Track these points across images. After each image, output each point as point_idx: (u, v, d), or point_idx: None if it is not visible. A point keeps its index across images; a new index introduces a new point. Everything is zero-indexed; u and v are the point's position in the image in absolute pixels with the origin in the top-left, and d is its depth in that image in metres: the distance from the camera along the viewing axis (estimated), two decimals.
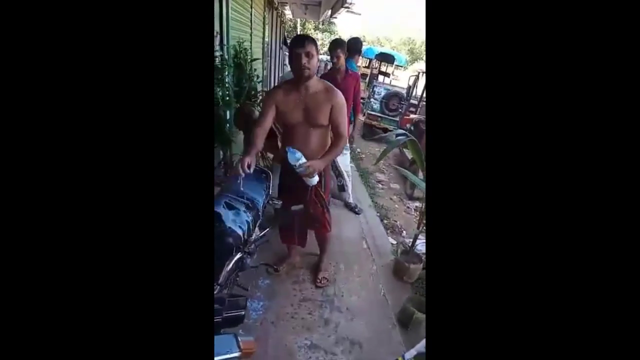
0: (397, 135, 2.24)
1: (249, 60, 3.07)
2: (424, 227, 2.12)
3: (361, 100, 3.08)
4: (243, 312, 0.77)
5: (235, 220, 1.30)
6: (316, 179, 1.58)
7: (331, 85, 1.57)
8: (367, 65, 10.14)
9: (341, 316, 1.82)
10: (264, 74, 4.27)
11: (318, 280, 2.01)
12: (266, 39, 5.75)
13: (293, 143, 1.59)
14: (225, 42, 2.52)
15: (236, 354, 0.71)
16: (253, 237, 1.05)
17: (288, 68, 2.48)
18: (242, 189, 1.33)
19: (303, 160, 1.48)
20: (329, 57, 2.82)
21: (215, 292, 0.76)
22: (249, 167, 1.33)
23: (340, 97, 1.54)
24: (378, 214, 3.06)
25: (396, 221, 3.05)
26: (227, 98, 2.35)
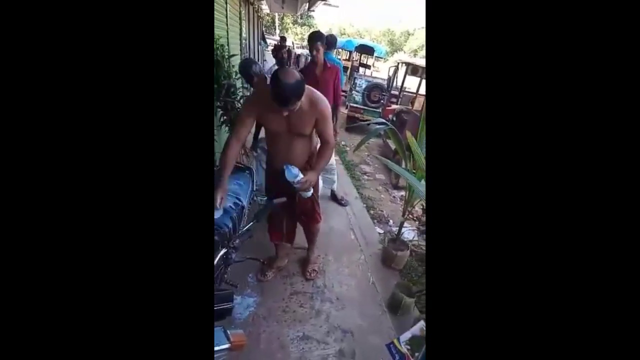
0: (379, 123, 2.27)
1: (226, 56, 3.02)
2: (409, 215, 2.17)
3: (343, 93, 3.09)
4: (231, 305, 0.77)
5: (221, 217, 1.30)
6: (311, 191, 1.61)
7: (315, 94, 1.45)
8: (347, 57, 10.14)
9: (332, 306, 1.84)
10: None
11: (308, 273, 2.02)
12: (244, 35, 5.65)
13: (276, 149, 1.60)
14: None
15: (225, 346, 0.72)
16: (238, 232, 1.05)
17: (268, 63, 2.45)
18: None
19: (300, 176, 1.49)
20: (308, 53, 2.81)
21: None
22: (220, 203, 1.27)
23: (324, 105, 1.46)
24: (364, 205, 3.10)
25: (382, 211, 3.10)
26: None
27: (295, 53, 9.69)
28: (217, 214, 1.23)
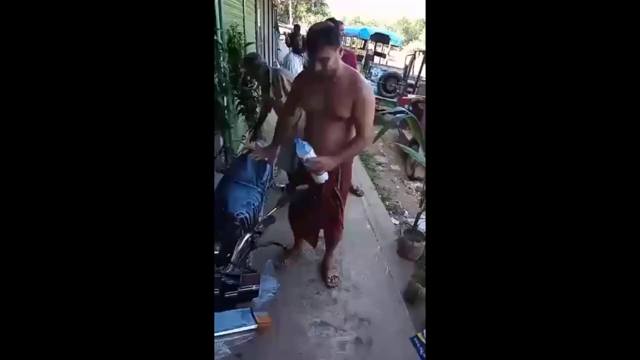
0: (396, 113, 2.23)
1: (243, 44, 3.01)
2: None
3: None
4: (257, 287, 0.78)
5: (241, 204, 1.31)
6: (325, 176, 1.45)
7: (359, 76, 1.38)
8: (362, 46, 9.96)
9: (349, 295, 1.85)
10: (264, 58, 4.19)
11: (329, 280, 1.90)
12: (258, 24, 5.61)
13: (310, 133, 1.51)
14: (219, 26, 2.46)
15: (253, 327, 0.73)
16: (260, 218, 1.06)
17: (282, 52, 2.41)
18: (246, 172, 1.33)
19: (312, 155, 1.38)
20: None
21: (229, 271, 0.77)
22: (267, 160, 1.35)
23: (366, 90, 1.35)
24: (380, 196, 3.08)
25: (398, 202, 3.07)
26: (224, 84, 2.32)
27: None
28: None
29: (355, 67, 2.62)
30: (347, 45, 8.70)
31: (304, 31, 6.21)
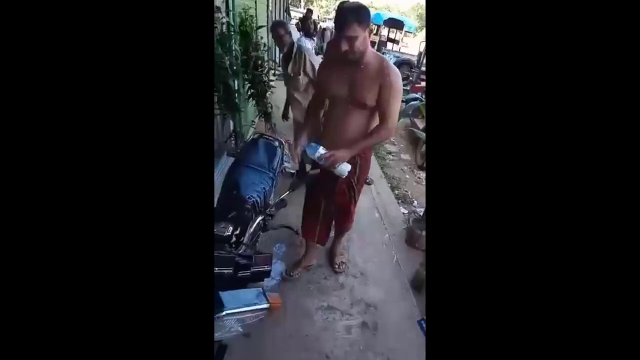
0: (409, 100, 2.18)
1: (254, 28, 2.96)
2: None
3: None
4: (269, 268, 0.79)
5: (252, 188, 1.32)
6: (346, 168, 1.36)
7: (390, 63, 1.29)
8: (375, 32, 9.72)
9: (356, 281, 1.87)
10: (270, 42, 4.13)
11: (336, 265, 1.90)
12: (270, 7, 5.51)
13: (330, 122, 1.45)
14: (231, 8, 2.42)
15: (265, 305, 0.74)
16: (271, 201, 1.06)
17: (293, 36, 2.37)
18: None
19: (322, 150, 1.34)
20: (333, 26, 2.69)
21: (241, 251, 0.78)
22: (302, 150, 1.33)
23: (395, 79, 1.25)
24: (389, 185, 3.06)
25: (407, 191, 3.05)
26: (235, 67, 2.30)
27: (320, 26, 9.39)
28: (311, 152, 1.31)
29: None
30: None
31: (315, 15, 6.07)
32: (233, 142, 2.73)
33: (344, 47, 1.17)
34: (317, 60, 2.17)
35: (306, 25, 5.22)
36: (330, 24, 10.07)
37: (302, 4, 19.97)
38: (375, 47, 7.68)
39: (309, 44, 3.53)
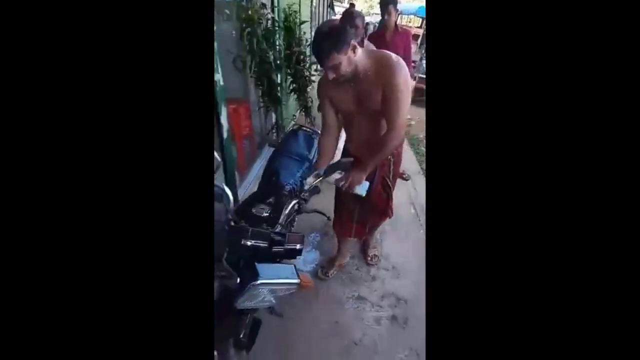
0: None
1: (298, 23, 3.03)
2: None
3: (413, 63, 2.90)
4: (301, 247, 0.84)
5: (290, 175, 1.39)
6: (364, 187, 1.32)
7: (384, 55, 1.17)
8: (419, 25, 9.39)
9: (387, 274, 1.87)
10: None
11: (369, 258, 1.91)
12: (314, 2, 5.57)
13: (349, 135, 1.41)
14: (276, 4, 2.51)
15: (296, 281, 0.79)
16: (306, 187, 1.12)
17: None
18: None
19: (337, 175, 1.27)
20: (377, 21, 2.65)
21: (277, 230, 0.84)
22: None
23: (397, 75, 1.12)
24: None
25: None
26: (279, 62, 2.39)
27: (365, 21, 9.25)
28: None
29: (409, 46, 2.51)
30: (403, 23, 8.26)
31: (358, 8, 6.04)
32: (275, 134, 2.85)
33: (331, 76, 1.11)
34: None
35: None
36: (373, 19, 9.89)
37: None
38: (419, 40, 7.41)
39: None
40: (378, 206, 1.57)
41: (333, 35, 1.05)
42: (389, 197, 1.56)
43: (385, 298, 1.72)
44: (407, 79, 1.16)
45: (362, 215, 1.63)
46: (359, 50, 1.11)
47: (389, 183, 1.51)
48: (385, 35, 2.42)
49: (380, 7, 2.42)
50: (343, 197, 1.57)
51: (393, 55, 1.17)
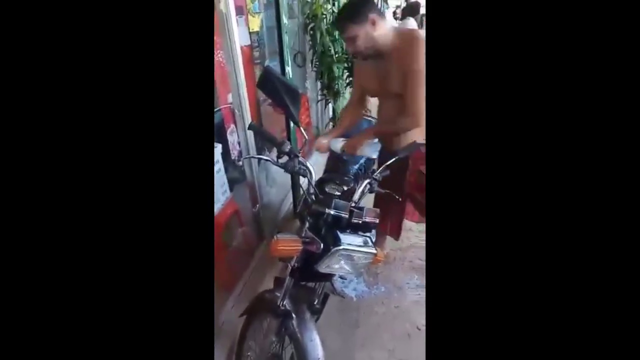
0: None
1: None
2: None
3: None
4: (377, 220, 0.89)
5: (353, 160, 1.44)
6: (374, 149, 1.32)
7: (413, 40, 1.13)
8: None
9: None
10: None
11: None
12: None
13: (379, 117, 1.41)
14: None
15: (373, 251, 0.85)
16: (377, 170, 1.16)
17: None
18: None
19: (341, 142, 1.33)
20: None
21: (353, 206, 0.90)
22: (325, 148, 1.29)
23: (420, 60, 1.09)
24: None
25: None
26: (339, 55, 2.45)
27: (421, 12, 8.93)
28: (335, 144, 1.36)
29: None
30: None
31: None
32: (332, 125, 2.93)
33: (349, 49, 1.10)
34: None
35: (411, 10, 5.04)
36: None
37: None
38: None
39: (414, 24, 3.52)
40: (422, 198, 1.42)
41: (351, 7, 1.07)
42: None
43: None
44: (422, 65, 1.10)
45: (397, 210, 1.52)
46: (382, 26, 1.09)
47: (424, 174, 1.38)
48: None
49: None
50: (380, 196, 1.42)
51: (420, 36, 1.12)
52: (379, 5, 7.96)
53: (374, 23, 1.08)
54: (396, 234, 1.64)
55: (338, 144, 1.38)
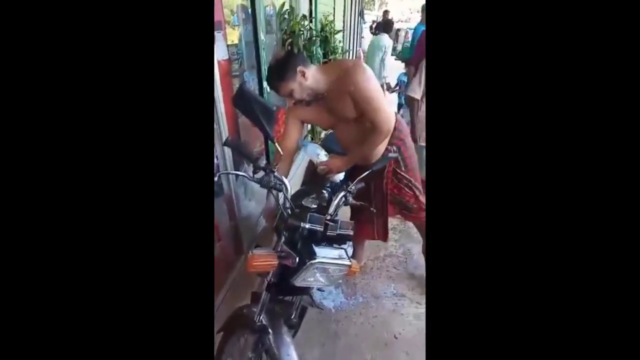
0: None
1: (333, 33, 3.16)
2: None
3: None
4: (352, 232, 0.92)
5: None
6: (340, 176, 1.39)
7: (348, 65, 1.20)
8: None
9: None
10: (347, 45, 4.34)
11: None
12: (345, 12, 5.72)
13: (339, 143, 1.41)
14: (314, 15, 2.66)
15: (347, 263, 0.87)
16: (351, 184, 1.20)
17: (365, 40, 2.48)
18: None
19: (323, 158, 1.30)
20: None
21: (328, 218, 0.93)
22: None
23: (360, 77, 1.14)
24: None
25: None
26: None
27: (395, 27, 9.31)
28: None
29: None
30: None
31: (390, 17, 6.11)
32: (311, 138, 2.97)
33: (290, 103, 1.18)
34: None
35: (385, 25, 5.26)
36: (405, 25, 9.88)
37: (377, 5, 19.93)
38: None
39: (388, 41, 3.68)
40: (406, 202, 1.48)
41: (277, 67, 1.14)
42: (413, 190, 1.46)
43: (424, 296, 1.74)
44: (371, 78, 1.18)
45: (380, 210, 1.51)
46: (311, 73, 1.16)
47: (404, 175, 1.44)
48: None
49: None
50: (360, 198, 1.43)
51: (347, 60, 1.29)
52: (357, 21, 8.21)
53: (303, 74, 1.14)
54: (384, 237, 1.64)
55: (315, 155, 1.33)
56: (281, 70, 1.14)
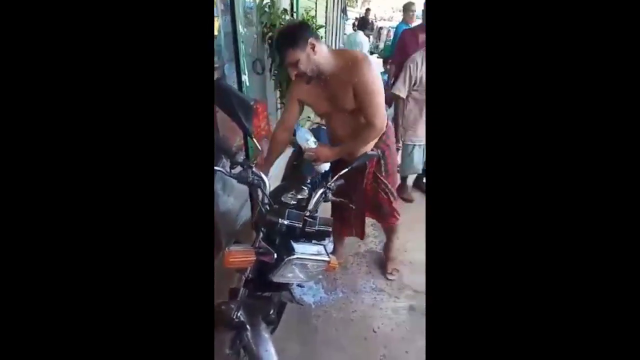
0: None
1: (315, 28, 3.15)
2: None
3: None
4: (330, 228, 0.92)
5: (310, 168, 1.48)
6: (326, 166, 1.39)
7: (355, 57, 1.20)
8: None
9: (405, 268, 1.92)
10: (329, 41, 4.33)
11: (388, 273, 1.82)
12: (328, 7, 5.71)
13: (332, 134, 1.42)
14: (295, 9, 2.63)
15: (326, 259, 0.87)
16: (331, 180, 1.20)
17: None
18: None
19: (312, 145, 1.30)
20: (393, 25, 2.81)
21: (307, 215, 0.93)
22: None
23: (366, 70, 1.15)
24: None
25: None
26: None
27: (377, 26, 9.40)
28: None
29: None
30: None
31: (372, 15, 6.15)
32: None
33: (292, 74, 1.17)
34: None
35: (365, 23, 5.31)
36: (387, 24, 10.01)
37: (359, 3, 20.00)
38: None
39: (363, 39, 3.71)
40: (376, 202, 1.53)
41: (290, 33, 1.13)
42: (388, 195, 1.51)
43: (402, 290, 1.77)
44: (376, 74, 1.20)
45: (357, 214, 1.58)
46: (321, 49, 1.15)
47: (383, 180, 1.48)
48: (417, 34, 2.46)
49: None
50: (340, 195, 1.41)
51: (359, 52, 1.24)
52: (340, 17, 8.22)
53: (313, 47, 1.13)
54: (361, 235, 1.69)
55: (305, 139, 1.32)
56: (293, 37, 1.12)
